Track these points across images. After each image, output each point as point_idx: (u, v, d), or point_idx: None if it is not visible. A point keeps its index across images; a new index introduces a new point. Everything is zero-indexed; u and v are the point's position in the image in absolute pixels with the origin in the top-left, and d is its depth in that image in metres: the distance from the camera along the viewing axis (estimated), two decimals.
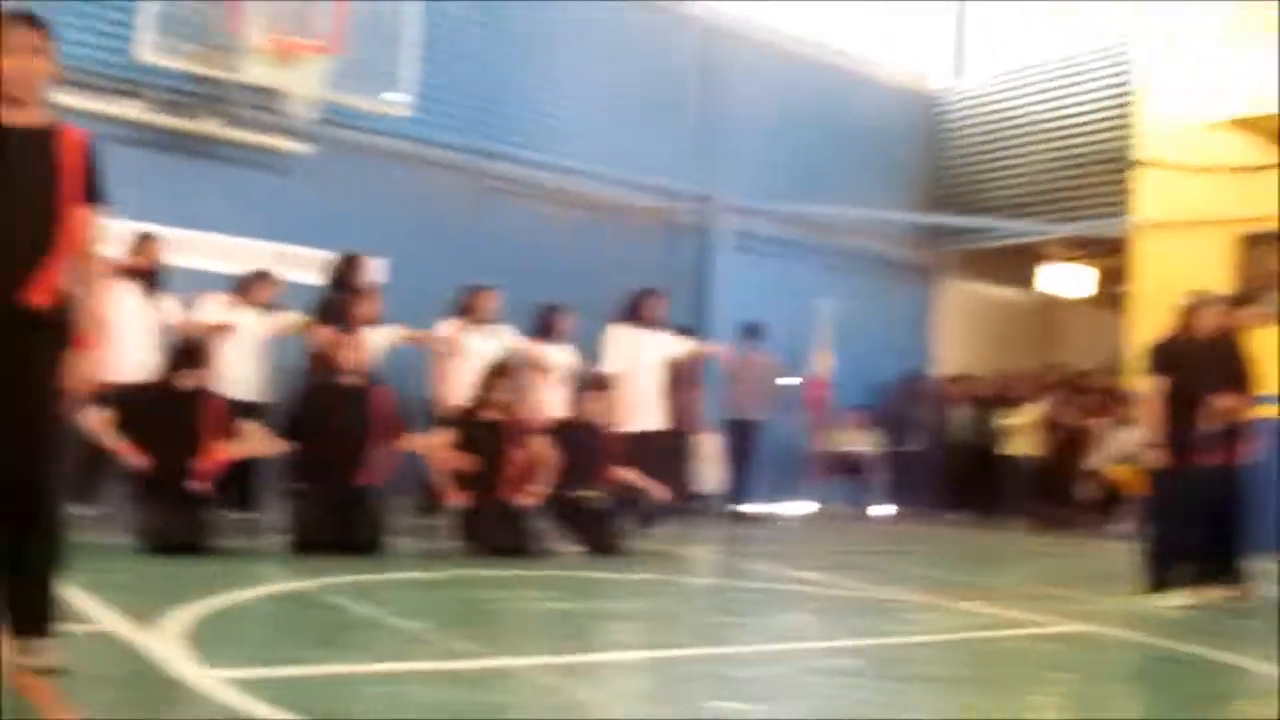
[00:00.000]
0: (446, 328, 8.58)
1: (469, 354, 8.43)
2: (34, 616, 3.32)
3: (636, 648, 4.47)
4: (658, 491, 8.12)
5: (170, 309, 7.99)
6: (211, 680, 3.23)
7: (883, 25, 15.16)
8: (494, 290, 8.76)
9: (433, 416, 8.31)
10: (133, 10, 9.23)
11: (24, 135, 3.40)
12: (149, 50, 9.15)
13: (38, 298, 3.30)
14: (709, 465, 11.65)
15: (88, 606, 4.19)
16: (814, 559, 8.31)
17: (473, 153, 11.65)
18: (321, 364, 7.42)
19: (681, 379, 10.11)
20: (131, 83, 9.69)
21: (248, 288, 8.27)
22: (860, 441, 13.53)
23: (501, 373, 7.49)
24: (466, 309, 8.68)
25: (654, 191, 12.94)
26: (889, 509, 13.59)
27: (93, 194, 3.49)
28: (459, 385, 8.22)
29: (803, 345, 12.81)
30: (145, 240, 7.94)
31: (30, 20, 3.39)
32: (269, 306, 8.28)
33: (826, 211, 13.95)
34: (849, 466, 13.43)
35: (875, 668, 4.22)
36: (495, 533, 6.98)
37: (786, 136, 13.98)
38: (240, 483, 7.76)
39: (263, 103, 10.01)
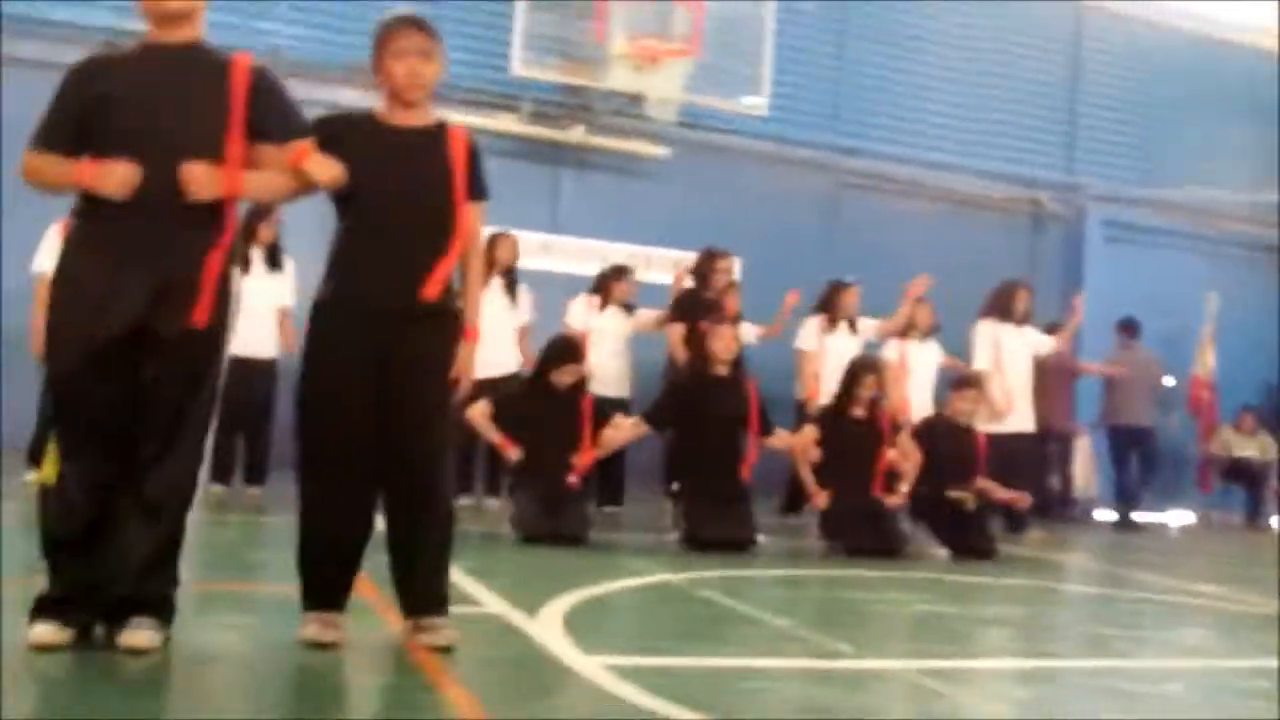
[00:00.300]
0: (809, 327, 8.55)
1: (830, 351, 8.35)
2: (429, 596, 3.49)
3: (1016, 655, 4.22)
4: (1022, 497, 7.71)
5: (525, 307, 8.27)
6: (592, 666, 3.28)
7: None
8: (854, 286, 8.62)
9: (797, 414, 8.29)
10: (506, 28, 9.73)
11: (417, 136, 3.58)
12: (521, 65, 9.61)
13: (431, 291, 3.47)
14: (1082, 469, 11.01)
15: (472, 591, 4.39)
16: (1206, 570, 7.66)
17: (830, 149, 11.56)
18: (692, 356, 7.48)
19: (1051, 378, 9.60)
20: (506, 97, 10.24)
21: (608, 285, 8.44)
22: (1250, 446, 12.39)
23: (867, 370, 7.30)
24: (827, 306, 8.59)
25: (1018, 181, 12.39)
26: None
27: (478, 190, 3.63)
28: (824, 383, 8.17)
29: (1183, 342, 11.88)
30: (501, 239, 8.15)
31: (419, 24, 3.54)
32: (628, 305, 8.47)
33: (1204, 196, 12.89)
34: (1238, 473, 12.34)
35: None
36: (861, 532, 6.82)
37: (1159, 117, 13.07)
38: (610, 478, 8.03)
39: (625, 109, 10.31)
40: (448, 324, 3.54)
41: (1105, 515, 11.05)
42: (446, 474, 3.58)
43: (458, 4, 10.15)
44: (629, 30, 9.54)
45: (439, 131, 3.59)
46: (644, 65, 9.50)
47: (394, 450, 3.43)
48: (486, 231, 8.10)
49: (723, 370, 6.97)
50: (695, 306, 8.04)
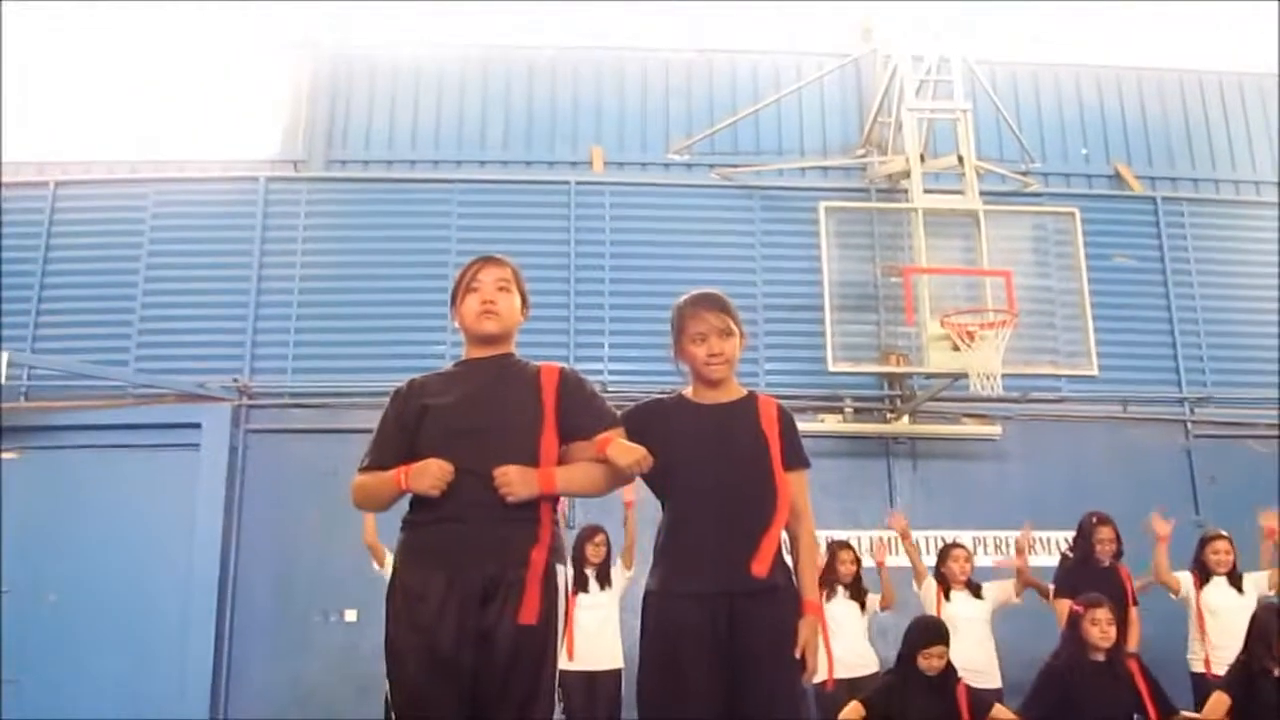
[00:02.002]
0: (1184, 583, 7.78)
1: (1222, 610, 7.53)
2: None
3: None
4: None
5: (871, 602, 8.06)
6: None
7: None
8: (1222, 536, 7.84)
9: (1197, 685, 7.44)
10: (819, 331, 9.85)
11: (726, 410, 3.53)
12: (839, 361, 9.66)
13: (760, 567, 3.33)
14: None
15: None
16: None
17: (1175, 402, 10.90)
18: (1067, 641, 6.86)
19: None
20: (828, 398, 10.28)
21: (949, 566, 7.98)
22: None
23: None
24: (1206, 565, 7.80)
25: None
26: None
27: (795, 458, 3.52)
28: (1216, 647, 7.35)
29: None
30: (838, 550, 8.14)
31: (715, 302, 3.56)
32: (974, 585, 7.97)
33: None
34: None
35: None
36: None
37: None
38: None
39: (947, 393, 10.12)
40: (784, 601, 3.37)
41: None
42: None
43: (769, 315, 10.46)
44: (939, 312, 9.48)
45: (749, 403, 3.55)
46: (961, 343, 9.36)
47: None
48: (823, 538, 8.04)
49: (1100, 656, 6.36)
50: (1080, 579, 7.46)
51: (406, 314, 10.12)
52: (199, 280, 10.32)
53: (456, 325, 3.58)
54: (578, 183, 10.88)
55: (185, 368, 9.99)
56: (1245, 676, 6.42)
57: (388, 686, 3.25)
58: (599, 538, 7.96)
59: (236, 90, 11.05)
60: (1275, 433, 10.86)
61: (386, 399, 3.53)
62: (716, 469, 3.43)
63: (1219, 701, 6.37)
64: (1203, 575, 7.76)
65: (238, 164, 10.85)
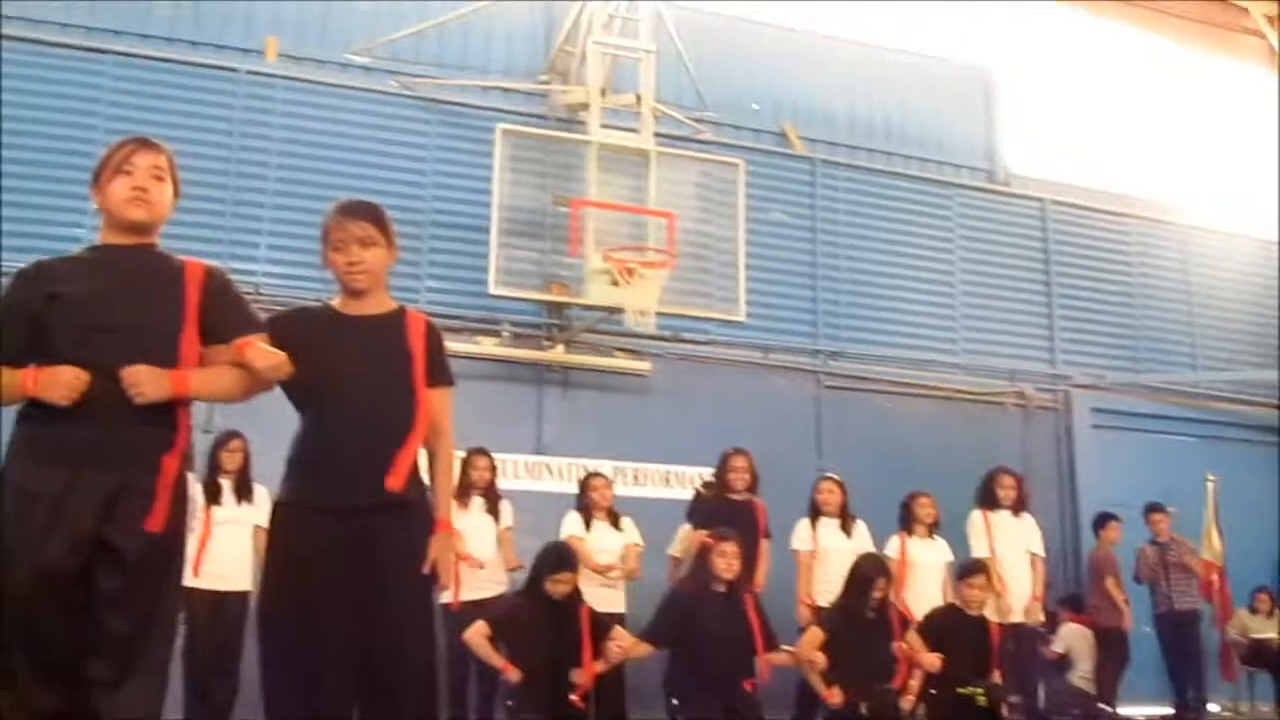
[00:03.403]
0: (800, 529, 8.35)
1: (827, 552, 8.14)
2: None
3: None
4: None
5: (506, 514, 8.03)
6: None
7: (1223, 174, 14.27)
8: (835, 480, 8.48)
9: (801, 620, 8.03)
10: (482, 254, 9.85)
11: (373, 323, 3.47)
12: (500, 285, 9.69)
13: (395, 482, 3.32)
14: (1083, 661, 10.66)
15: None
16: None
17: (811, 353, 11.61)
18: (693, 571, 7.23)
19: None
20: (486, 320, 10.30)
21: (586, 495, 8.17)
22: (1269, 627, 11.98)
23: (878, 572, 7.06)
24: (816, 505, 8.42)
25: (1002, 374, 12.41)
26: None
27: (439, 376, 3.52)
28: (822, 585, 7.96)
29: (1185, 528, 11.65)
30: (474, 456, 7.98)
31: (358, 210, 3.45)
32: (614, 514, 8.20)
33: (1188, 378, 12.97)
34: (1261, 655, 11.88)
35: None
36: None
37: (1138, 302, 13.23)
38: (608, 698, 7.65)
39: (604, 325, 10.37)
40: (418, 517, 3.38)
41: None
42: (434, 690, 3.35)
43: (435, 232, 10.35)
44: (603, 245, 9.67)
45: (398, 317, 3.50)
46: (621, 279, 9.58)
47: (371, 663, 3.19)
48: (461, 451, 8.04)
49: (722, 587, 6.76)
50: (716, 513, 7.84)
51: (42, 190, 9.29)
52: None
53: (97, 207, 3.33)
54: (248, 72, 10.32)
55: None
56: (841, 617, 7.00)
57: None
58: (234, 443, 7.42)
59: None
60: (899, 390, 11.80)
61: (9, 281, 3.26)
62: (357, 381, 3.37)
63: (814, 636, 6.92)
64: (813, 515, 8.34)
65: None
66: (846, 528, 8.30)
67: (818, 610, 7.68)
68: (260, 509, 7.40)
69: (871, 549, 7.92)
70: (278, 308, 9.89)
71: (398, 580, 3.28)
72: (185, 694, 7.13)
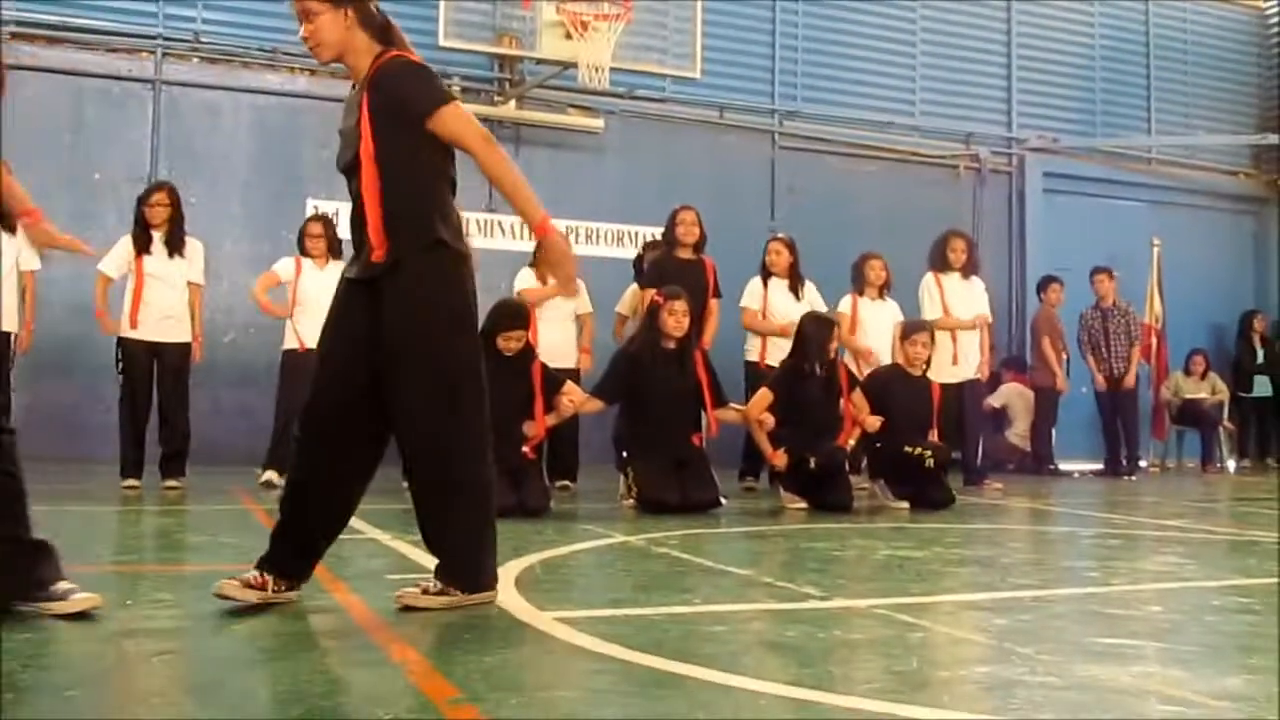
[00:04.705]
0: (751, 287, 8.40)
1: (776, 311, 8.23)
2: None
3: (990, 589, 4.09)
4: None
5: None
6: (547, 620, 3.13)
7: None
8: (784, 240, 8.47)
9: (746, 373, 8.19)
10: (433, 4, 9.48)
11: (353, 96, 3.41)
12: (450, 37, 9.37)
13: (377, 254, 3.37)
14: (1020, 419, 11.03)
15: (422, 560, 4.19)
16: (1169, 507, 7.63)
17: (766, 112, 11.44)
18: (642, 328, 7.28)
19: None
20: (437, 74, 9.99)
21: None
22: (1201, 389, 12.42)
23: (825, 328, 7.15)
24: (768, 266, 8.45)
25: (957, 137, 12.34)
26: (1238, 460, 12.50)
27: (421, 105, 3.34)
28: (770, 345, 8.09)
29: (1130, 290, 11.88)
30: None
31: None
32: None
33: (1143, 142, 12.97)
34: (1191, 416, 12.35)
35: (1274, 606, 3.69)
36: (817, 488, 6.73)
37: (1098, 66, 13.06)
38: (562, 453, 7.84)
39: (556, 81, 10.12)
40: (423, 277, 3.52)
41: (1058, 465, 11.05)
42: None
43: None
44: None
45: (368, 78, 3.37)
46: (575, 32, 9.29)
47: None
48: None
49: (671, 344, 6.83)
50: (666, 272, 7.83)
51: None
52: None
53: None
54: None
55: None
56: (790, 376, 7.11)
57: None
58: (156, 196, 7.34)
59: None
60: (855, 151, 11.71)
61: None
62: (343, 144, 3.40)
63: (763, 397, 7.03)
64: (764, 275, 8.39)
65: None
66: (795, 289, 8.35)
67: (767, 369, 7.82)
68: (194, 263, 7.41)
69: (822, 309, 8.00)
70: (220, 59, 9.63)
71: (409, 342, 3.44)
72: (122, 443, 7.26)
